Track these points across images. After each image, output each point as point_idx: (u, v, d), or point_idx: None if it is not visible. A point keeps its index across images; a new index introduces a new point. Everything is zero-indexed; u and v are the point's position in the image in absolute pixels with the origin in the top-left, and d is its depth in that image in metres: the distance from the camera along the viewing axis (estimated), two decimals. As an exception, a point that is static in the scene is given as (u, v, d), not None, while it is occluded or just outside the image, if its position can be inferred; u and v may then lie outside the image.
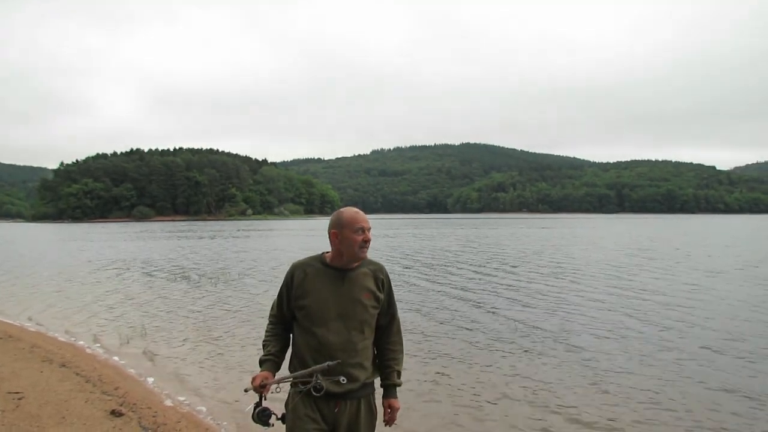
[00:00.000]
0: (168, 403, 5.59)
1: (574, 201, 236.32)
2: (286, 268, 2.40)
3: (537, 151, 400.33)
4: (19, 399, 5.17)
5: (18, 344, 7.78)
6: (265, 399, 2.36)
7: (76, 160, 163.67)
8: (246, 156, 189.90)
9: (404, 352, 2.68)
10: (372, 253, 2.54)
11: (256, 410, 2.33)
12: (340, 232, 2.42)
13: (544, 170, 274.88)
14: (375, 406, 2.50)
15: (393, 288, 2.60)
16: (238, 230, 60.71)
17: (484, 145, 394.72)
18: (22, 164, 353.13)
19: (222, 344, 8.15)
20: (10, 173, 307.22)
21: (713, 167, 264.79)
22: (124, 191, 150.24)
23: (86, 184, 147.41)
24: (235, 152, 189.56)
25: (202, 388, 6.13)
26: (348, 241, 2.42)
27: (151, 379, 6.48)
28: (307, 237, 43.29)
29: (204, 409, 5.47)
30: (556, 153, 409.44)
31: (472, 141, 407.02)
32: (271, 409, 2.34)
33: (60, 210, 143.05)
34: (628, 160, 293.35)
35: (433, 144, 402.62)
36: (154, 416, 4.98)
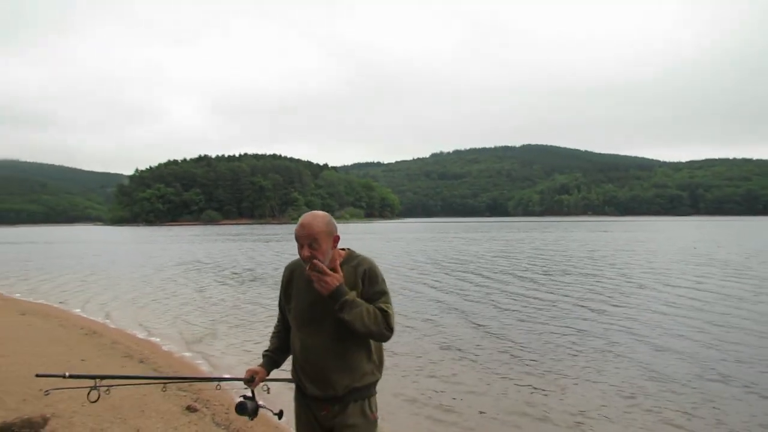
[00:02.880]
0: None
1: (642, 203, 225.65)
2: None
3: (601, 152, 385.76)
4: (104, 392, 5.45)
5: (101, 340, 8.24)
6: (269, 391, 2.48)
7: (150, 167, 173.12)
8: (308, 161, 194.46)
9: (384, 362, 2.41)
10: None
11: (237, 402, 2.47)
12: None
13: (609, 171, 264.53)
14: (372, 413, 2.34)
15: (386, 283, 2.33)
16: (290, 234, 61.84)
17: (545, 146, 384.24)
18: (100, 171, 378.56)
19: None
20: (90, 179, 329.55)
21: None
22: (193, 196, 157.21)
23: (158, 189, 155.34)
24: (297, 158, 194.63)
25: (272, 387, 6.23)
26: None
27: (225, 376, 6.66)
28: (355, 240, 43.52)
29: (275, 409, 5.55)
30: (622, 153, 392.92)
31: (533, 142, 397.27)
32: (259, 404, 2.51)
33: (135, 213, 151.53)
34: (702, 159, 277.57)
35: (493, 146, 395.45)
36: (226, 413, 5.10)
